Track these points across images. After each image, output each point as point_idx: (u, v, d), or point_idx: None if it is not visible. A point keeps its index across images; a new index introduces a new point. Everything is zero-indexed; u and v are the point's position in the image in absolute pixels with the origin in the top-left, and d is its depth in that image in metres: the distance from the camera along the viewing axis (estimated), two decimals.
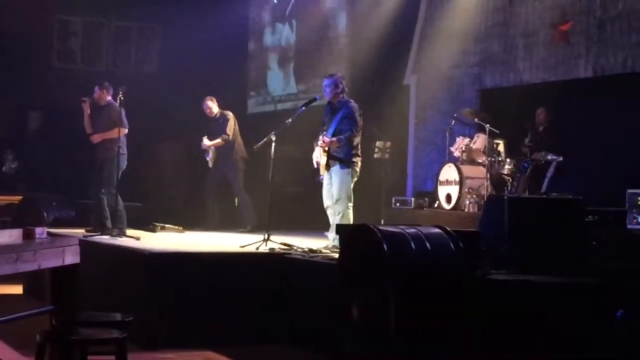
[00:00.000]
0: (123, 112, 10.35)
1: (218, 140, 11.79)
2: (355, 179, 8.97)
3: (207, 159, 11.88)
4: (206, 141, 11.84)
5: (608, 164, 9.95)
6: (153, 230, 11.08)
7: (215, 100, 12.05)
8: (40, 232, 4.61)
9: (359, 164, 8.99)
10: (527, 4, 11.46)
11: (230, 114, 12.02)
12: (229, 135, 11.82)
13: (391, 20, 13.34)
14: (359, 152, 9.01)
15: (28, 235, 4.53)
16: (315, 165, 9.01)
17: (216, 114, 12.02)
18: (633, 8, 10.08)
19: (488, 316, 5.81)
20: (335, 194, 8.87)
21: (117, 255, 8.80)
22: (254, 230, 11.06)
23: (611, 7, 10.34)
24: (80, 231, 10.29)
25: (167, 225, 11.36)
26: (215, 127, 11.96)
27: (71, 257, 4.57)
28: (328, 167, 8.90)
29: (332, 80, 9.07)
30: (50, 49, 16.68)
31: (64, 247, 4.50)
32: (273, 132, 9.05)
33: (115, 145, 10.32)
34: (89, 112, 10.64)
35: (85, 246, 7.28)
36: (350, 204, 8.91)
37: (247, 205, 11.84)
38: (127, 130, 10.45)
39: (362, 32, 13.88)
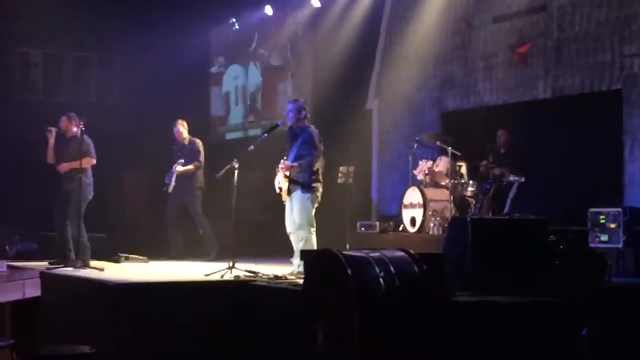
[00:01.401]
0: (91, 144, 10.36)
1: (190, 167, 11.75)
2: (317, 205, 8.99)
3: (171, 184, 11.73)
4: (179, 167, 11.73)
5: (568, 184, 10.06)
6: (117, 261, 10.99)
7: (186, 125, 12.03)
8: (0, 265, 4.56)
9: (320, 189, 9.02)
10: (485, 27, 11.60)
11: (199, 141, 12.02)
12: (201, 163, 11.81)
13: (352, 45, 13.43)
14: (320, 178, 9.06)
15: None
16: (278, 191, 9.03)
17: (185, 139, 11.99)
18: (589, 30, 10.23)
19: (453, 339, 5.81)
20: (297, 219, 8.89)
21: (81, 287, 8.68)
22: (217, 257, 11.06)
23: (568, 29, 10.50)
24: (44, 264, 10.17)
25: (131, 256, 11.28)
26: (183, 152, 11.90)
27: (32, 289, 4.53)
28: (289, 192, 8.93)
29: (296, 105, 9.15)
30: (11, 81, 16.57)
31: (24, 279, 4.46)
32: (235, 160, 9.06)
33: (79, 175, 10.27)
34: (53, 141, 10.59)
35: (49, 278, 7.22)
36: (313, 229, 8.92)
37: (207, 231, 11.78)
38: (94, 161, 10.44)
39: (324, 57, 13.94)
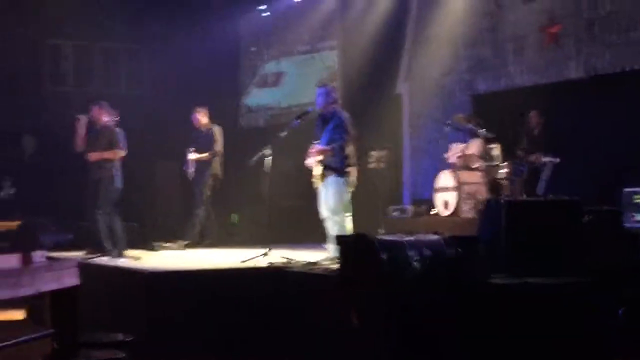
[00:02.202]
0: (123, 135, 10.39)
1: (205, 155, 11.68)
2: (351, 189, 8.96)
3: (189, 171, 11.68)
4: (191, 155, 11.68)
5: (602, 164, 9.97)
6: (153, 249, 11.07)
7: (205, 112, 11.92)
8: (39, 256, 4.62)
9: (354, 173, 8.97)
10: (515, 8, 11.51)
11: (217, 128, 11.88)
12: (216, 152, 11.72)
13: (381, 29, 13.40)
14: (353, 162, 9.00)
15: (26, 260, 4.54)
16: (313, 171, 9.00)
17: (203, 126, 11.88)
18: (621, 8, 10.12)
19: (488, 321, 5.81)
20: (332, 204, 8.87)
21: (117, 276, 8.79)
22: (213, 244, 11.22)
23: (600, 8, 10.38)
24: (80, 254, 10.28)
25: (166, 244, 11.35)
26: (201, 139, 11.82)
27: (70, 279, 4.58)
28: (323, 178, 8.90)
29: (324, 89, 9.13)
30: (42, 73, 16.71)
31: (62, 269, 4.51)
32: (267, 146, 9.06)
33: (109, 165, 10.33)
34: (84, 130, 10.59)
35: (85, 268, 7.28)
36: (348, 214, 8.90)
37: (195, 223, 11.66)
38: (124, 153, 10.42)
39: (353, 42, 13.92)
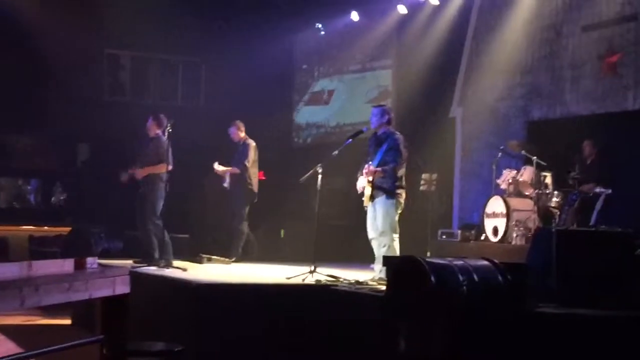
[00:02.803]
0: (167, 147, 10.45)
1: (231, 168, 11.63)
2: (400, 211, 8.96)
3: (225, 184, 11.67)
4: (217, 166, 11.66)
5: None
6: (200, 262, 11.14)
7: (242, 126, 11.87)
8: (92, 262, 4.67)
9: (404, 195, 8.99)
10: (574, 36, 11.44)
11: (252, 142, 11.81)
12: (245, 165, 11.61)
13: (437, 53, 13.43)
14: (403, 184, 9.02)
15: (79, 265, 4.58)
16: (360, 191, 9.01)
17: (240, 140, 11.85)
18: None
19: (536, 351, 5.76)
20: (380, 225, 8.87)
21: (165, 286, 8.85)
22: (237, 261, 11.26)
23: None
24: (128, 262, 10.38)
25: (213, 257, 11.42)
26: (236, 153, 11.81)
27: (121, 287, 4.61)
28: (372, 198, 8.91)
29: (379, 109, 9.17)
30: (100, 82, 16.95)
31: (114, 277, 4.55)
32: (319, 164, 9.06)
33: (157, 178, 10.46)
34: (126, 180, 10.76)
35: (135, 277, 7.35)
36: (396, 235, 8.90)
37: (240, 238, 11.64)
38: (171, 167, 10.47)
39: (408, 64, 13.96)
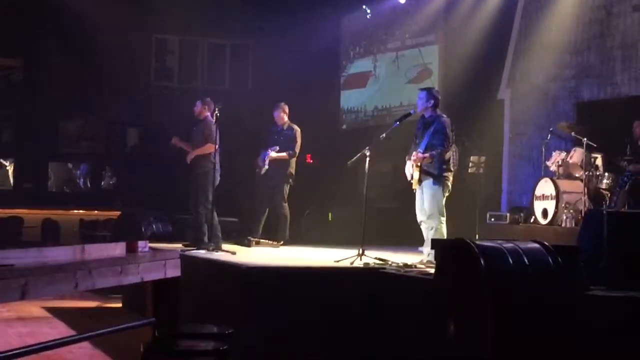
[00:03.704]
0: (215, 129, 10.47)
1: (284, 154, 11.49)
2: (447, 194, 8.97)
3: (263, 167, 11.48)
4: (272, 153, 11.47)
5: None
6: (248, 245, 11.20)
7: (287, 110, 11.71)
8: (143, 245, 4.72)
9: (451, 178, 9.00)
10: (625, 15, 11.26)
11: (297, 129, 11.68)
12: (295, 153, 11.56)
13: (485, 34, 13.29)
14: (451, 167, 9.07)
15: (131, 249, 4.64)
16: (409, 178, 9.01)
17: (285, 124, 11.72)
18: None
19: (588, 334, 5.70)
20: (428, 208, 8.88)
21: (215, 270, 8.91)
22: (285, 244, 11.23)
23: None
24: (178, 246, 10.47)
25: (262, 240, 11.46)
26: (280, 137, 11.65)
27: (172, 270, 4.67)
28: (420, 182, 8.90)
29: (425, 92, 9.12)
30: (148, 67, 17.06)
31: (165, 260, 4.60)
32: (367, 147, 9.04)
33: (207, 161, 10.52)
34: (184, 143, 10.91)
35: (185, 260, 7.42)
36: (443, 219, 8.89)
37: (285, 221, 11.54)
38: (215, 147, 10.47)
39: (455, 46, 13.85)
